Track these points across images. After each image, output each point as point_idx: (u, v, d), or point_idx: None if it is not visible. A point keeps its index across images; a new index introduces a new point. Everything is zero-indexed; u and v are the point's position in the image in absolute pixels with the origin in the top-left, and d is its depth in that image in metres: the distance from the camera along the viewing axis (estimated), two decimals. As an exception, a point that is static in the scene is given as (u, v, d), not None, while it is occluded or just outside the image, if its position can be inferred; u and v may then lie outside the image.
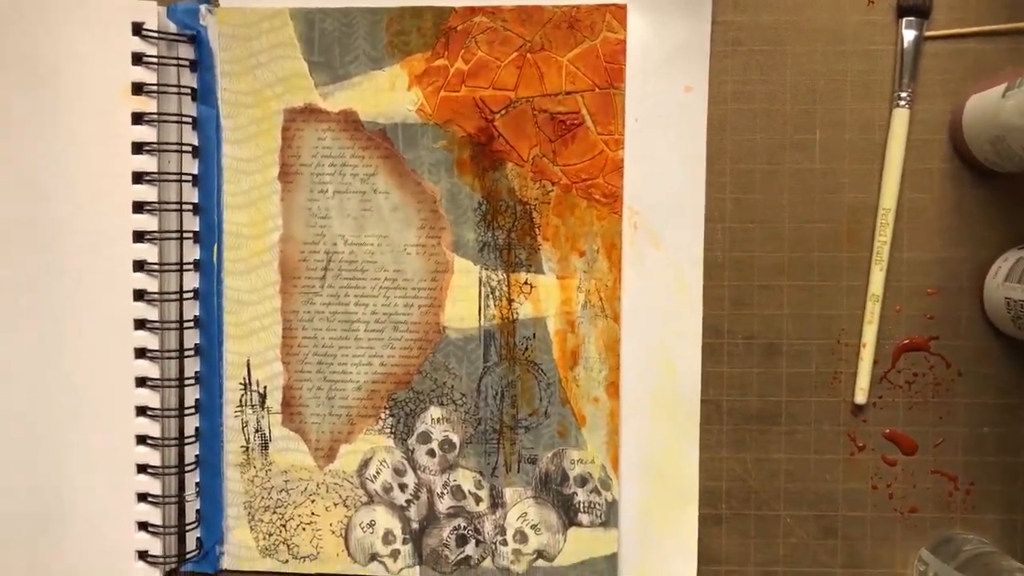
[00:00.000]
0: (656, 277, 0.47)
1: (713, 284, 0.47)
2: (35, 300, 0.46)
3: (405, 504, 0.48)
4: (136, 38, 0.46)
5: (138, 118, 0.46)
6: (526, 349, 0.47)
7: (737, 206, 0.47)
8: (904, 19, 0.46)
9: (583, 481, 0.48)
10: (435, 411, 0.48)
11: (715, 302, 0.47)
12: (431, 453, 0.48)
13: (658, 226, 0.47)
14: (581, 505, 0.48)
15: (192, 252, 0.47)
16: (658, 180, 0.47)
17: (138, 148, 0.46)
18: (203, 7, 0.47)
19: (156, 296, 0.46)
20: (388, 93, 0.47)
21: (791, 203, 0.47)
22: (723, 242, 0.47)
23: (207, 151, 0.47)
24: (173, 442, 0.47)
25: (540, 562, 0.48)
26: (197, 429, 0.48)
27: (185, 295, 0.47)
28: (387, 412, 0.48)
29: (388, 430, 0.48)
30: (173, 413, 0.47)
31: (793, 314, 0.47)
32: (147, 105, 0.46)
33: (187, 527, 0.47)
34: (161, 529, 0.47)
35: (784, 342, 0.47)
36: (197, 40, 0.47)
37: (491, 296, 0.47)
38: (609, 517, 0.47)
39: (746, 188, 0.47)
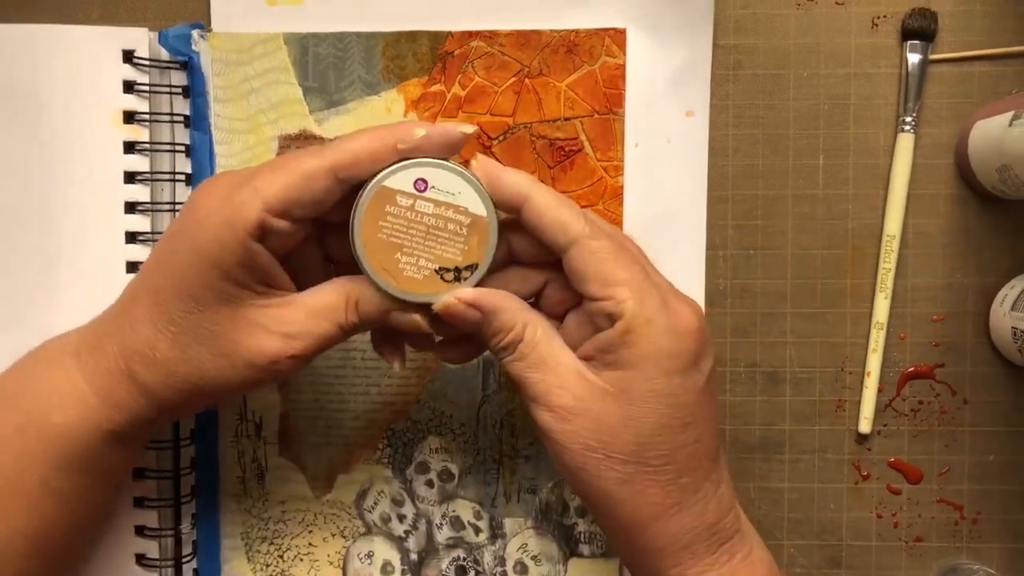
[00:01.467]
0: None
1: (715, 312, 0.47)
2: (29, 328, 0.46)
3: (403, 535, 0.48)
4: (127, 66, 0.46)
5: (130, 147, 0.46)
6: (525, 378, 0.47)
7: (739, 232, 0.47)
8: (908, 42, 0.46)
9: (584, 511, 0.48)
10: (433, 441, 0.48)
11: (717, 330, 0.47)
12: (429, 483, 0.48)
13: (659, 253, 0.47)
14: (582, 535, 0.48)
15: (186, 281, 0.47)
16: (659, 207, 0.47)
17: (130, 178, 0.46)
18: (195, 32, 0.47)
19: (150, 327, 0.46)
20: (384, 119, 0.47)
21: (794, 229, 0.47)
22: (725, 269, 0.47)
23: (201, 178, 0.47)
24: (168, 473, 0.47)
25: (541, 593, 0.48)
26: (193, 459, 0.48)
27: (180, 325, 0.47)
28: (385, 442, 0.48)
29: (386, 460, 0.48)
30: (168, 444, 0.47)
31: (796, 342, 0.47)
32: (139, 134, 0.46)
33: (183, 559, 0.48)
34: (158, 562, 0.47)
35: (787, 370, 0.48)
36: (189, 66, 0.47)
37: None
38: (610, 547, 0.48)
39: (748, 214, 0.47)
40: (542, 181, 0.46)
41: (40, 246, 0.46)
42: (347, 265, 0.39)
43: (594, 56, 0.46)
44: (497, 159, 0.47)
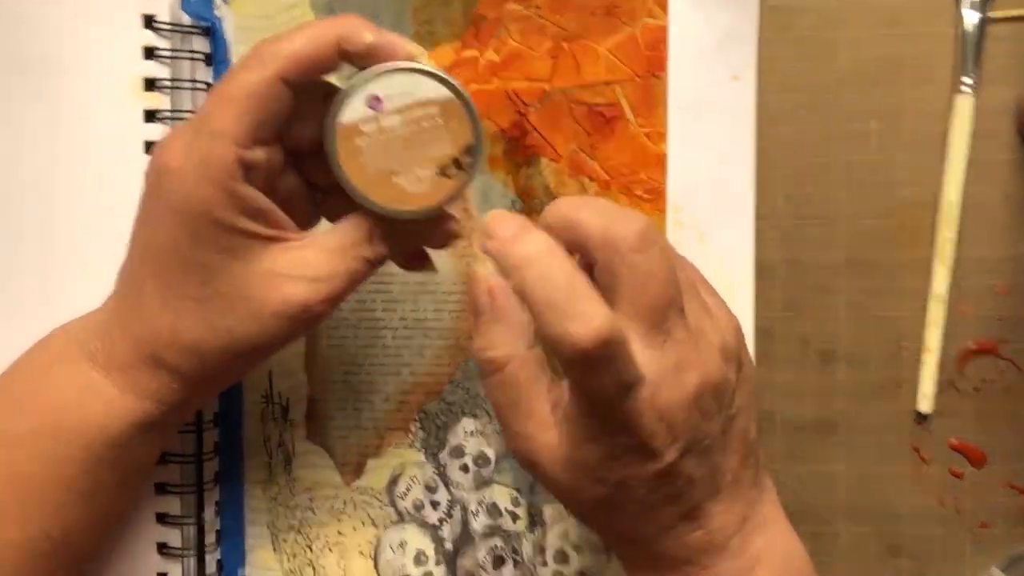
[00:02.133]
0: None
1: (765, 286, 0.45)
2: (42, 301, 0.44)
3: (438, 523, 0.46)
4: (147, 31, 0.44)
5: (151, 115, 0.44)
6: (564, 357, 0.45)
7: (789, 202, 0.45)
8: (967, -1, 0.44)
9: (627, 497, 0.46)
10: (468, 423, 0.46)
11: (767, 305, 0.45)
12: (464, 468, 0.46)
13: (705, 224, 0.45)
14: (625, 523, 0.46)
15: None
16: (704, 175, 0.45)
17: (151, 147, 0.44)
18: (219, -2, 0.45)
19: (172, 304, 0.44)
20: (415, 86, 0.45)
21: (846, 198, 0.45)
22: (774, 241, 0.45)
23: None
24: (191, 458, 0.45)
25: (581, 584, 0.46)
26: (216, 444, 0.46)
27: (202, 303, 0.45)
28: (417, 425, 0.46)
29: (419, 444, 0.46)
30: (191, 428, 0.45)
31: (851, 317, 0.45)
32: (160, 102, 0.45)
33: (207, 549, 0.46)
34: (180, 551, 0.45)
35: (841, 347, 0.45)
36: (212, 32, 0.46)
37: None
38: (655, 535, 0.46)
39: (798, 183, 0.45)
40: (581, 149, 0.45)
41: (53, 220, 0.45)
42: (335, 191, 0.37)
43: (635, 18, 0.45)
44: (533, 126, 0.45)
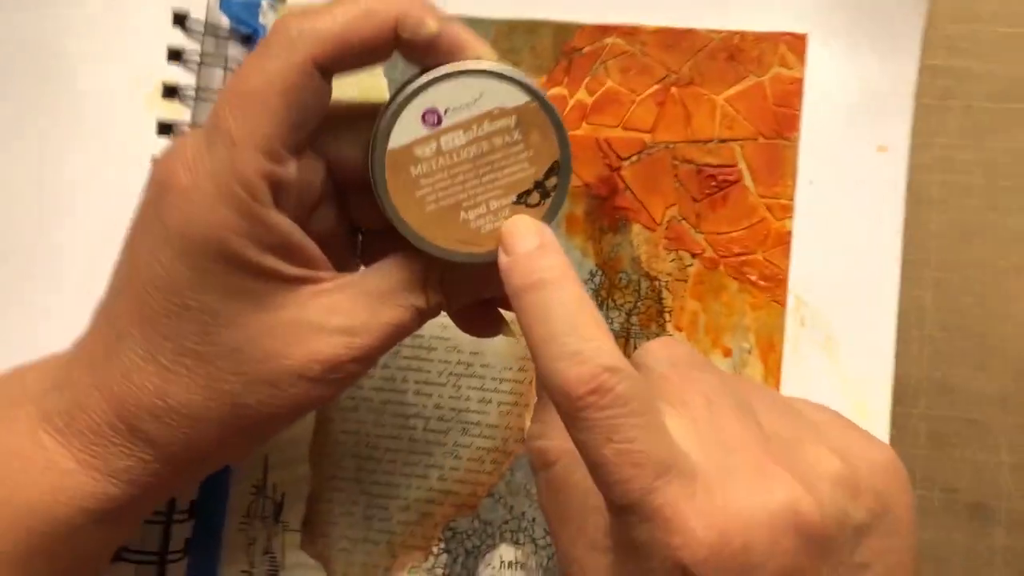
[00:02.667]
0: (826, 394, 0.35)
1: (904, 412, 0.36)
2: (30, 310, 0.36)
3: None
4: (177, 29, 0.37)
5: (166, 128, 0.37)
6: (639, 477, 0.36)
7: (941, 308, 0.36)
8: None
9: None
10: (507, 551, 0.36)
11: (906, 437, 0.35)
12: (496, 609, 0.36)
13: (834, 326, 0.36)
14: None
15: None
16: (837, 264, 0.36)
17: (161, 165, 0.37)
18: (265, 2, 0.39)
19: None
20: (486, 125, 0.38)
21: (1016, 313, 0.36)
22: (920, 355, 0.36)
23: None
24: (153, 558, 0.36)
25: None
26: (187, 542, 0.37)
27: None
28: (442, 546, 0.36)
29: (440, 570, 0.36)
30: (159, 518, 0.36)
31: (1015, 464, 0.35)
32: (179, 113, 0.37)
33: None
34: None
35: (1000, 503, 0.35)
36: (252, 40, 0.38)
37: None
38: None
39: (955, 285, 0.36)
40: (684, 217, 0.36)
41: (44, 239, 0.37)
42: (381, 231, 0.30)
43: (763, 66, 0.37)
44: (626, 184, 0.37)
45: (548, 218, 0.29)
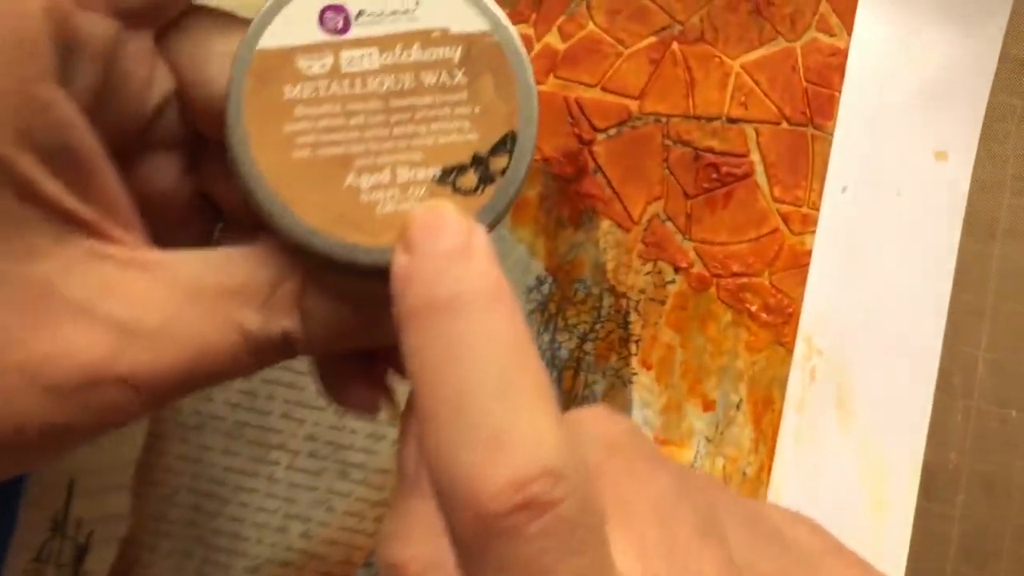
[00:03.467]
0: (833, 474, 0.27)
1: (937, 506, 0.27)
2: None
3: None
4: None
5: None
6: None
7: (997, 373, 0.28)
8: None
9: None
10: (385, 642, 0.27)
11: (933, 544, 0.27)
12: None
13: (853, 384, 0.27)
14: None
15: None
16: (865, 301, 0.27)
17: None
18: None
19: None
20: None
21: (1089, 388, 0.27)
22: (961, 433, 0.27)
23: None
24: None
25: None
26: (-51, 586, 0.27)
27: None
28: (297, 626, 0.27)
29: (293, 658, 0.27)
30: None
31: (1073, 593, 0.27)
32: None
33: None
34: None
35: (1049, 641, 0.27)
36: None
37: (527, 449, 0.27)
38: None
39: (1018, 343, 0.27)
40: (670, 216, 0.27)
41: None
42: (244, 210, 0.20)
43: (797, 27, 0.28)
44: (598, 164, 0.28)
45: (485, 217, 0.19)
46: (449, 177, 0.19)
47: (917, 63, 0.28)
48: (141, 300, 0.18)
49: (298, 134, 0.19)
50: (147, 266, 0.18)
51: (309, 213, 0.18)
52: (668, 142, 0.28)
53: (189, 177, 0.21)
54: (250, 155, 0.18)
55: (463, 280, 0.16)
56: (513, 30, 0.19)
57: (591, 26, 0.28)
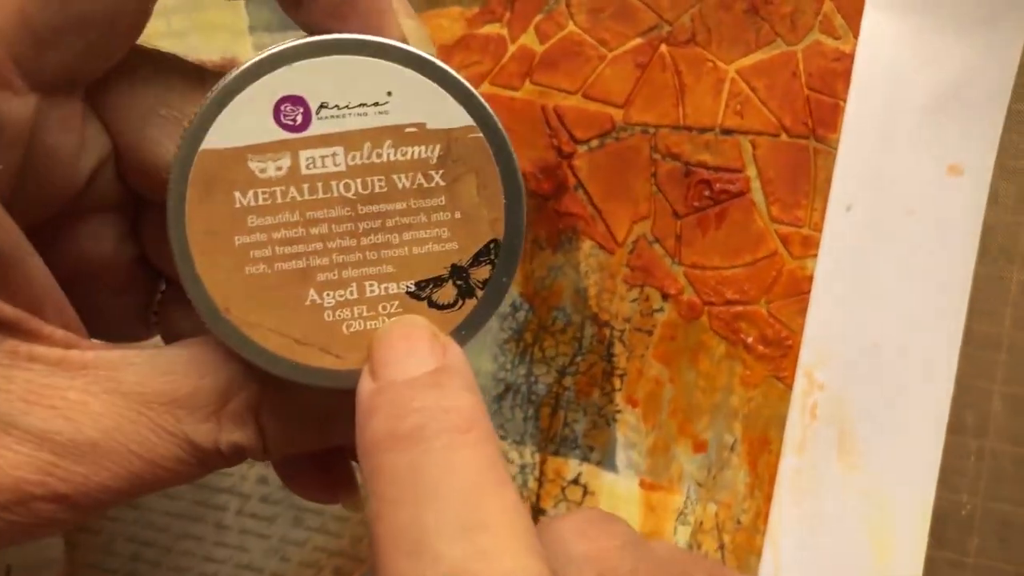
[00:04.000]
0: (841, 519, 0.24)
1: (948, 553, 0.25)
2: None
3: None
4: None
5: None
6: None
7: (1012, 408, 0.25)
8: None
9: None
10: None
11: (945, 596, 0.25)
12: None
13: (857, 423, 0.25)
14: None
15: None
16: (872, 332, 0.25)
17: None
18: None
19: None
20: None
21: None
22: (975, 475, 0.25)
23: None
24: None
25: None
26: None
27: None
28: None
29: None
30: None
31: (1095, 650, 0.25)
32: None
33: None
34: None
35: None
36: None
37: (501, 492, 0.25)
38: None
39: (1036, 380, 0.25)
40: (659, 238, 0.25)
41: None
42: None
43: (798, 29, 0.25)
44: (579, 181, 0.25)
45: (466, 336, 0.17)
46: (424, 291, 0.17)
47: (930, 69, 0.25)
48: (75, 410, 0.16)
49: (251, 247, 0.16)
50: (83, 368, 0.16)
51: (268, 338, 0.16)
52: (656, 155, 0.25)
53: (129, 240, 0.19)
54: (195, 274, 0.16)
55: (430, 413, 0.15)
56: (499, 123, 0.17)
57: (571, 26, 0.26)
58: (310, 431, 0.17)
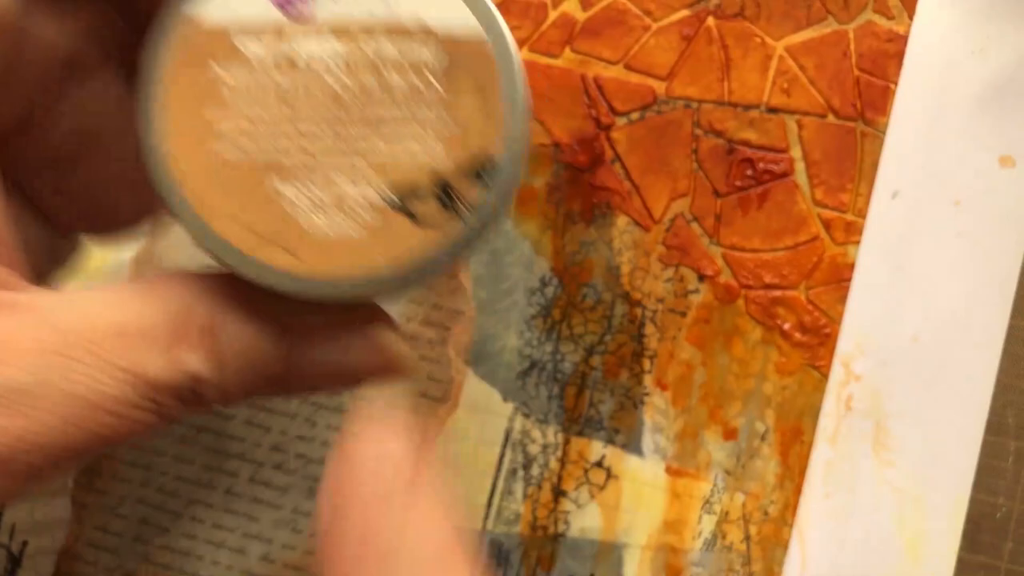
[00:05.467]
0: (872, 515, 0.24)
1: (981, 557, 0.24)
2: None
3: None
4: None
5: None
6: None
7: (1054, 413, 0.25)
8: None
9: None
10: None
11: (976, 600, 0.24)
12: None
13: (893, 416, 0.24)
14: None
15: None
16: (914, 324, 0.24)
17: None
18: None
19: None
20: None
21: None
22: (1013, 477, 0.25)
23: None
24: None
25: None
26: None
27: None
28: (253, 660, 0.24)
29: None
30: None
31: None
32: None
33: None
34: None
35: None
36: None
37: (521, 471, 0.24)
38: None
39: (1080, 382, 0.25)
40: (697, 216, 0.24)
41: None
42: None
43: (852, 7, 0.25)
44: (617, 154, 0.25)
45: (447, 263, 0.16)
46: (403, 202, 0.16)
47: (986, 54, 0.25)
48: (5, 352, 0.15)
49: (220, 121, 0.16)
50: (15, 309, 0.15)
51: (226, 226, 0.15)
52: (698, 131, 0.25)
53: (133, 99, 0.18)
54: (160, 149, 0.16)
55: (399, 535, 0.15)
56: (510, 36, 0.16)
57: (617, -5, 0.25)
58: (270, 355, 0.16)
